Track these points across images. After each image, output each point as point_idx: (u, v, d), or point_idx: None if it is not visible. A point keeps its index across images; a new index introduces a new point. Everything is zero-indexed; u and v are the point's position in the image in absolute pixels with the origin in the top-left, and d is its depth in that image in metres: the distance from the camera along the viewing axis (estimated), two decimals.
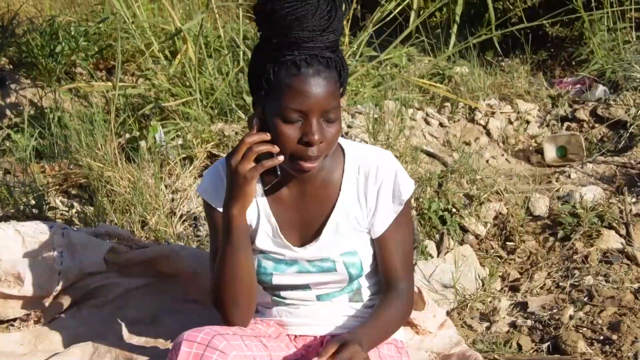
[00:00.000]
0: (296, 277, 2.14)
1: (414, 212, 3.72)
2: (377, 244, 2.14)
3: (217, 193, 2.10)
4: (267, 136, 1.93)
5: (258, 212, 2.13)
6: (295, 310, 2.19)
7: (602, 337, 2.97)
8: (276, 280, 2.14)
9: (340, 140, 2.10)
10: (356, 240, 2.13)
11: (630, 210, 3.82)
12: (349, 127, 4.62)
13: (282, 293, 2.18)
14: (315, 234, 2.12)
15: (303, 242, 2.13)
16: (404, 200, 2.11)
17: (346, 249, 2.11)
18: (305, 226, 2.13)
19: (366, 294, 2.21)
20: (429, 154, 4.80)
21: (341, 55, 1.98)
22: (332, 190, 2.12)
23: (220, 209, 2.07)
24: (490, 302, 3.36)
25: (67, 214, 3.70)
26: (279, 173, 1.97)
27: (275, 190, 2.11)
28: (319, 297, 2.18)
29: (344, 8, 1.93)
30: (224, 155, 4.16)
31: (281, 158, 1.93)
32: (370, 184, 2.10)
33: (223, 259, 2.04)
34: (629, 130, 4.95)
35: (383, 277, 2.15)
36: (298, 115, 1.90)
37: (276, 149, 1.93)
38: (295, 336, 2.20)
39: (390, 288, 2.13)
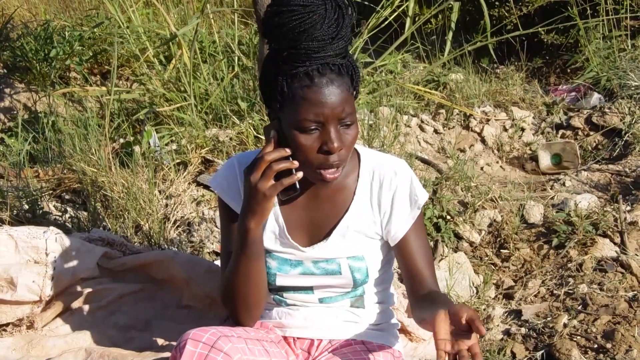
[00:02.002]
0: (299, 278, 2.13)
1: None
2: (398, 250, 2.12)
3: (229, 188, 2.14)
4: (287, 152, 1.91)
5: None
6: (295, 312, 2.19)
7: (596, 346, 2.96)
8: (279, 281, 2.13)
9: (355, 145, 2.10)
10: (365, 246, 2.12)
11: (625, 219, 3.82)
12: None
13: (285, 294, 2.18)
14: (325, 236, 2.12)
15: (311, 243, 2.13)
16: (421, 205, 2.10)
17: (353, 253, 2.11)
18: (315, 227, 2.13)
19: (369, 301, 2.20)
20: (423, 161, 4.80)
21: (352, 60, 1.97)
22: (347, 194, 2.12)
23: (230, 204, 2.11)
24: (484, 309, 3.35)
25: (60, 218, 3.69)
26: (298, 187, 1.96)
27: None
28: (321, 300, 2.17)
29: (350, 13, 1.91)
30: (219, 161, 4.17)
31: (300, 175, 1.91)
32: (385, 190, 2.10)
33: (236, 265, 2.04)
34: (624, 138, 4.96)
35: (412, 283, 2.09)
36: (315, 125, 1.89)
37: (295, 164, 1.91)
38: (294, 340, 2.19)
39: (424, 291, 2.06)
